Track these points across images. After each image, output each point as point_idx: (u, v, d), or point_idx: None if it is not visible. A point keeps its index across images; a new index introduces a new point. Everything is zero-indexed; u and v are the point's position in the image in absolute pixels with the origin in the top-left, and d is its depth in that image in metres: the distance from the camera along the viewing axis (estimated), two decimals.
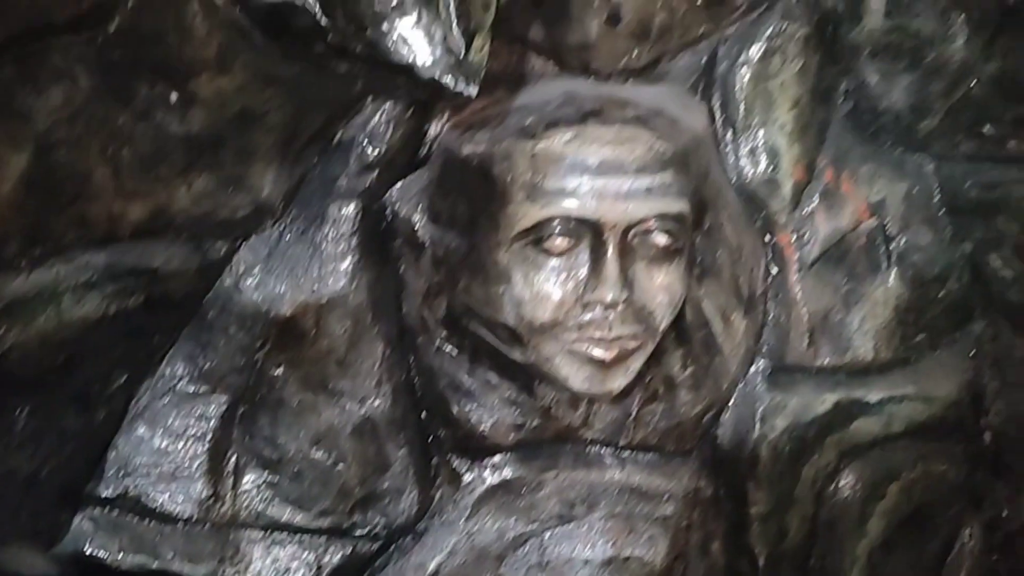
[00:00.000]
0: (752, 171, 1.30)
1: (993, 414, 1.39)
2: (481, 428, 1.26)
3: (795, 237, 1.32)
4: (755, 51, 1.27)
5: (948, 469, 1.39)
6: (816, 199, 1.31)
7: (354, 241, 1.20)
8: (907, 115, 1.28)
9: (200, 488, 1.20)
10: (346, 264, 1.21)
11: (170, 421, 1.20)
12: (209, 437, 1.20)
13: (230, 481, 1.22)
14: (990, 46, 1.18)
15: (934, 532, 1.40)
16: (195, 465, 1.20)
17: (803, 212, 1.32)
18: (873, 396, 1.35)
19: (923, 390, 1.36)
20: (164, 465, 1.20)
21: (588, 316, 1.11)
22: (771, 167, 1.30)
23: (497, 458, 1.29)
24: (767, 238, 1.32)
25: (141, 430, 1.19)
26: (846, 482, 1.36)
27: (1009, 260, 1.30)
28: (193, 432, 1.20)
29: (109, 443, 1.18)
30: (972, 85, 1.21)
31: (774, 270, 1.33)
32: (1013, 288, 1.31)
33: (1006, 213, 1.28)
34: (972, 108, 1.23)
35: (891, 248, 1.33)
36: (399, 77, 0.96)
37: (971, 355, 1.37)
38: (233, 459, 1.22)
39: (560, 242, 1.10)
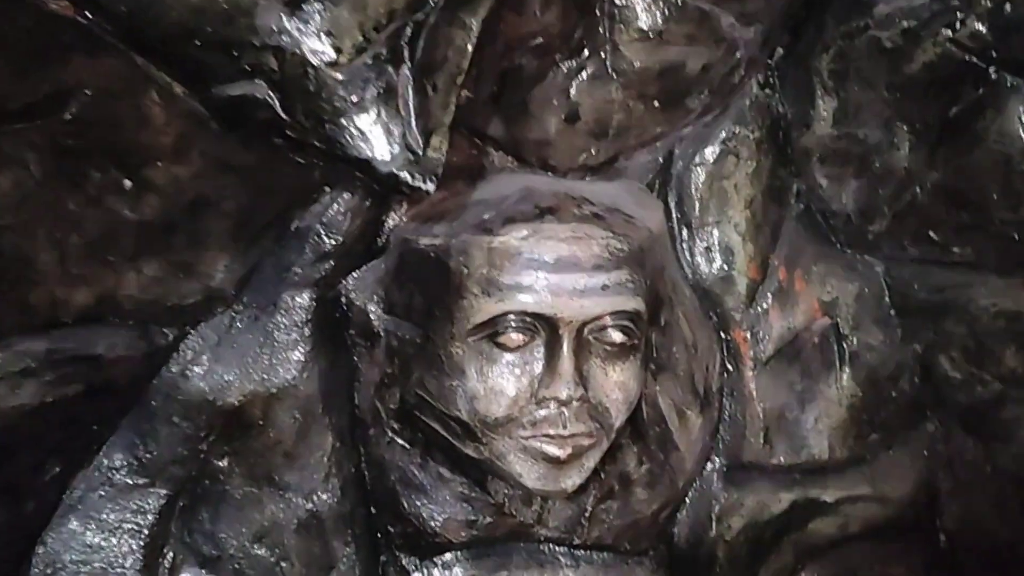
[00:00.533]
0: (707, 268, 1.32)
1: (947, 516, 1.38)
2: (432, 524, 1.22)
3: (750, 334, 1.33)
4: (710, 152, 1.31)
5: (905, 572, 1.38)
6: (770, 297, 1.33)
7: (307, 330, 1.19)
8: (856, 218, 1.32)
9: None
10: (298, 353, 1.18)
11: (104, 514, 1.14)
12: (145, 532, 1.15)
13: None
14: (933, 156, 1.22)
15: None
16: (129, 562, 1.15)
17: (757, 310, 1.33)
18: (829, 496, 1.34)
19: (878, 490, 1.36)
20: (96, 562, 1.14)
21: (542, 413, 1.10)
22: (726, 265, 1.32)
23: (448, 556, 1.25)
24: (722, 335, 1.33)
25: (73, 524, 1.14)
26: None
27: (958, 362, 1.32)
28: (129, 526, 1.15)
29: (37, 538, 1.13)
30: (917, 192, 1.25)
31: (729, 367, 1.33)
32: (962, 390, 1.32)
33: (953, 316, 1.31)
34: (917, 214, 1.26)
35: (844, 347, 1.34)
36: (358, 171, 0.96)
37: (924, 455, 1.38)
38: (170, 555, 1.17)
39: (515, 337, 1.09)
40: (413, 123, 0.93)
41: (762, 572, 1.33)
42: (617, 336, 1.11)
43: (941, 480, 1.38)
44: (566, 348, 1.08)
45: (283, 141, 0.97)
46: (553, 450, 1.10)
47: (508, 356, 1.10)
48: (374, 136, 0.93)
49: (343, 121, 0.92)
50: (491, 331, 1.09)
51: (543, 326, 1.09)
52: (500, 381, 1.10)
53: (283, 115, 0.93)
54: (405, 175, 0.93)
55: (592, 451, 1.13)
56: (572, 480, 1.13)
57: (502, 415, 1.10)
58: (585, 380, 1.10)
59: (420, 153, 0.94)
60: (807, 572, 1.35)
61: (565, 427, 1.09)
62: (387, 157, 0.93)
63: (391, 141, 0.93)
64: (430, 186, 0.94)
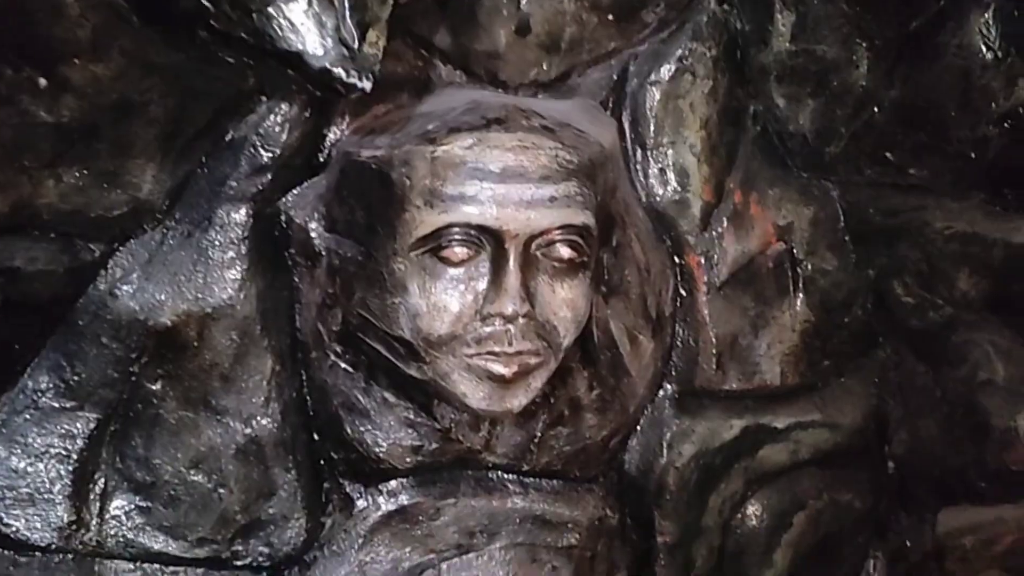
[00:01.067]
0: (661, 191, 1.29)
1: (896, 443, 1.39)
2: (376, 451, 1.19)
3: (704, 259, 1.31)
4: (666, 70, 1.27)
5: (853, 498, 1.38)
6: (725, 221, 1.31)
7: (244, 248, 1.13)
8: (813, 139, 1.29)
9: (62, 513, 1.10)
10: (234, 272, 1.13)
11: (30, 439, 1.09)
12: (74, 457, 1.10)
13: (96, 506, 1.12)
14: (891, 73, 1.20)
15: (840, 563, 1.39)
16: (57, 488, 1.10)
17: (712, 234, 1.30)
18: (780, 422, 1.34)
19: (829, 417, 1.36)
20: (21, 487, 1.09)
21: (487, 330, 1.06)
22: (680, 187, 1.29)
23: (393, 483, 1.22)
24: (676, 259, 1.30)
25: None
26: (753, 511, 1.34)
27: (910, 287, 1.31)
28: (56, 451, 1.10)
29: None
30: (875, 112, 1.23)
31: (682, 292, 1.31)
32: (915, 315, 1.32)
33: (907, 240, 1.30)
34: (874, 134, 1.24)
35: (798, 272, 1.33)
36: (289, 68, 0.90)
37: (875, 382, 1.37)
38: (101, 482, 1.12)
39: (459, 251, 1.05)
40: (348, 16, 0.87)
41: (712, 499, 1.33)
42: (565, 251, 1.08)
43: (891, 407, 1.38)
44: (512, 263, 1.05)
45: (209, 35, 0.91)
46: (498, 368, 1.07)
47: (452, 271, 1.06)
48: (305, 28, 0.87)
49: (271, 11, 0.86)
50: (434, 245, 1.05)
51: (488, 240, 1.05)
52: (444, 297, 1.06)
53: (206, 3, 0.87)
54: (339, 71, 0.87)
55: (539, 371, 1.10)
56: (518, 400, 1.10)
57: (445, 332, 1.07)
58: (532, 296, 1.07)
59: (355, 48, 0.88)
60: (756, 499, 1.34)
61: (511, 344, 1.06)
62: (319, 52, 0.88)
63: (324, 34, 0.87)
64: (366, 84, 0.89)
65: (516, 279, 1.05)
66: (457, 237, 1.04)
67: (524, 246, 1.06)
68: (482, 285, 1.06)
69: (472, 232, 1.04)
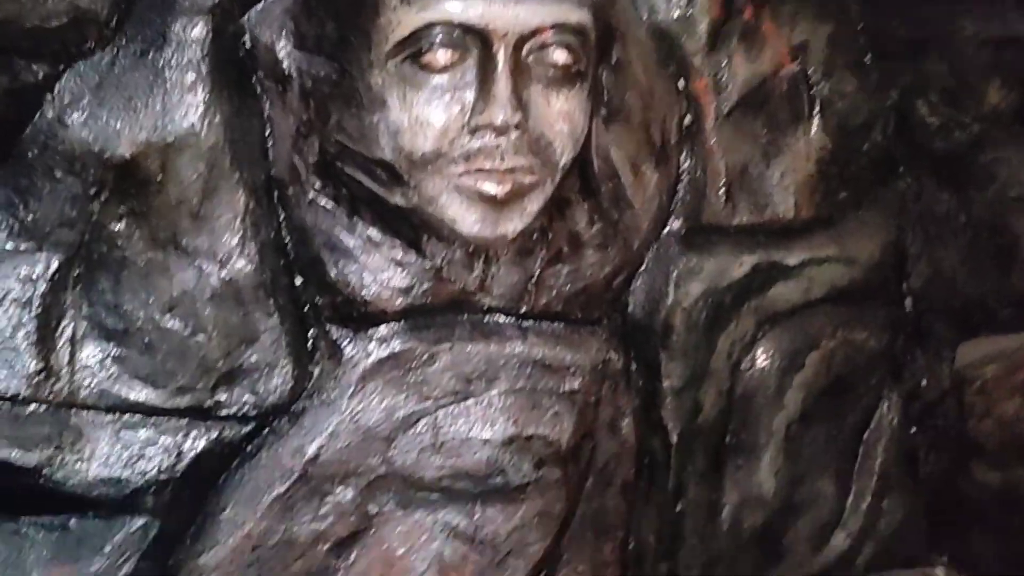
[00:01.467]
0: (665, 6, 1.18)
1: (915, 276, 1.31)
2: (363, 293, 1.11)
3: (711, 82, 1.20)
4: None
5: (868, 337, 1.32)
6: (734, 40, 1.20)
7: (204, 69, 1.03)
8: None
9: (28, 361, 1.03)
10: (196, 96, 1.03)
11: None
12: (37, 303, 1.03)
13: (66, 354, 1.05)
14: None
15: (853, 404, 1.34)
16: (20, 335, 1.02)
17: (720, 54, 1.20)
18: (793, 259, 1.26)
19: (845, 252, 1.28)
20: None
21: (476, 144, 0.97)
22: (686, 2, 1.17)
23: (383, 329, 1.14)
24: (681, 83, 1.20)
25: None
26: (763, 352, 1.28)
27: (936, 106, 1.22)
28: (16, 296, 1.02)
29: None
30: None
31: (689, 118, 1.21)
32: (939, 136, 1.23)
33: (935, 53, 1.20)
34: None
35: (814, 95, 1.23)
36: None
37: (895, 213, 1.29)
38: (69, 328, 1.04)
39: (442, 55, 0.95)
40: None
41: (721, 340, 1.26)
42: (560, 56, 0.97)
43: (910, 239, 1.30)
44: (502, 67, 0.95)
45: None
46: (490, 187, 0.98)
47: (435, 79, 0.96)
48: None
49: None
50: (414, 50, 0.95)
51: (474, 41, 0.95)
52: (427, 109, 0.96)
53: None
54: None
55: (534, 192, 1.02)
56: (513, 225, 1.02)
57: (430, 149, 0.97)
58: (524, 106, 0.97)
59: None
60: (767, 339, 1.28)
61: (502, 160, 0.97)
62: None
63: None
64: None
65: (507, 85, 0.95)
66: (439, 39, 0.94)
67: (514, 48, 0.95)
68: (469, 94, 0.96)
69: (456, 32, 0.94)
